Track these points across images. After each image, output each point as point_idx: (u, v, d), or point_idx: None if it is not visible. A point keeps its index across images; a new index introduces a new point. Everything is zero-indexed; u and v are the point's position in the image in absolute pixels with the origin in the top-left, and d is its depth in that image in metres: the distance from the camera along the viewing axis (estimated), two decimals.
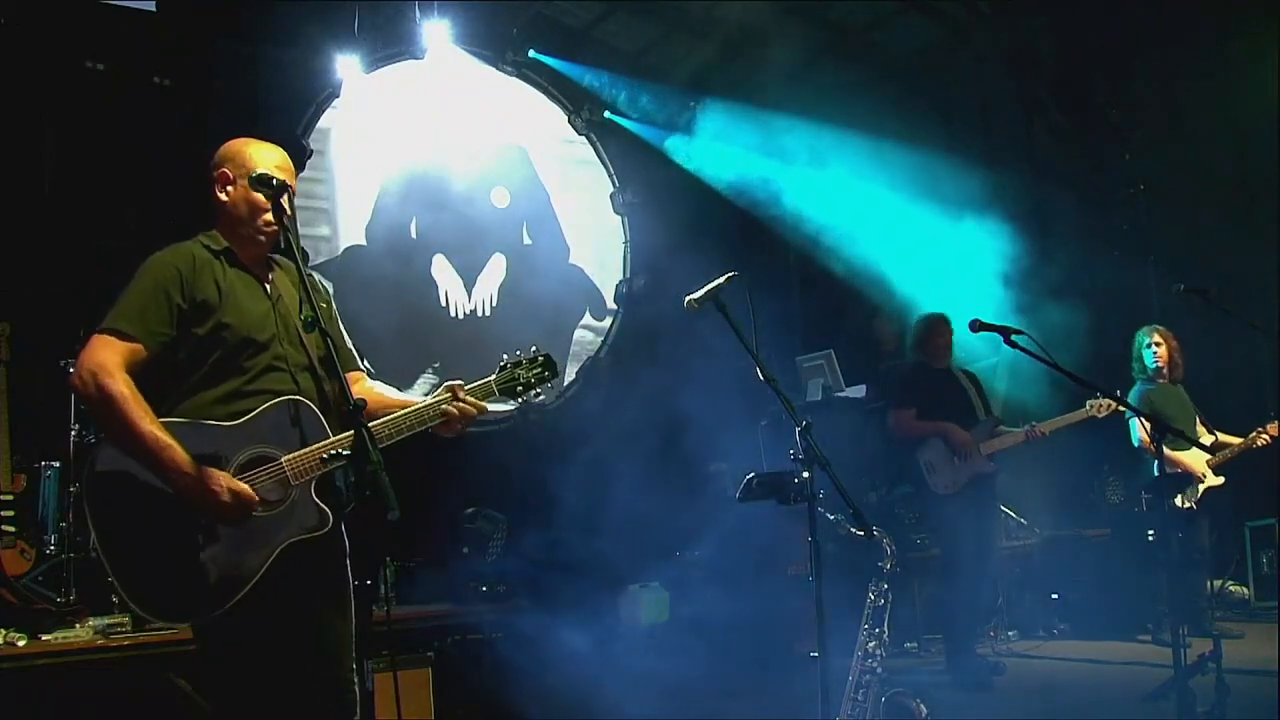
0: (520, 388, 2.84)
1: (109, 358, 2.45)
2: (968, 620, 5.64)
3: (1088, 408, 5.48)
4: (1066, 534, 7.41)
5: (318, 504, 2.55)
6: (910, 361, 5.94)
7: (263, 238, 2.69)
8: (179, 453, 2.40)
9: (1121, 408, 5.42)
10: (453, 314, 7.85)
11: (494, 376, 2.83)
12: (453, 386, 2.72)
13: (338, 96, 7.33)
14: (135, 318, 2.51)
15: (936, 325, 5.77)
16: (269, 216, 2.66)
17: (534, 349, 2.89)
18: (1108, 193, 8.06)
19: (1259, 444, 5.87)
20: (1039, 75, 8.33)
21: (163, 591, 2.47)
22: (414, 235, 7.77)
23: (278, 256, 2.81)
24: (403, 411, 2.67)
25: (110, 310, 2.53)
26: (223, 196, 2.70)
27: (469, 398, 2.72)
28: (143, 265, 2.61)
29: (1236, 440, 5.97)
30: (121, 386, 2.43)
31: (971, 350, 7.10)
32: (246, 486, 2.46)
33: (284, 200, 2.63)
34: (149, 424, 2.41)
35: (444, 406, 2.68)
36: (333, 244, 7.45)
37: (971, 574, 5.58)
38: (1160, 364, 6.18)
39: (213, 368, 2.57)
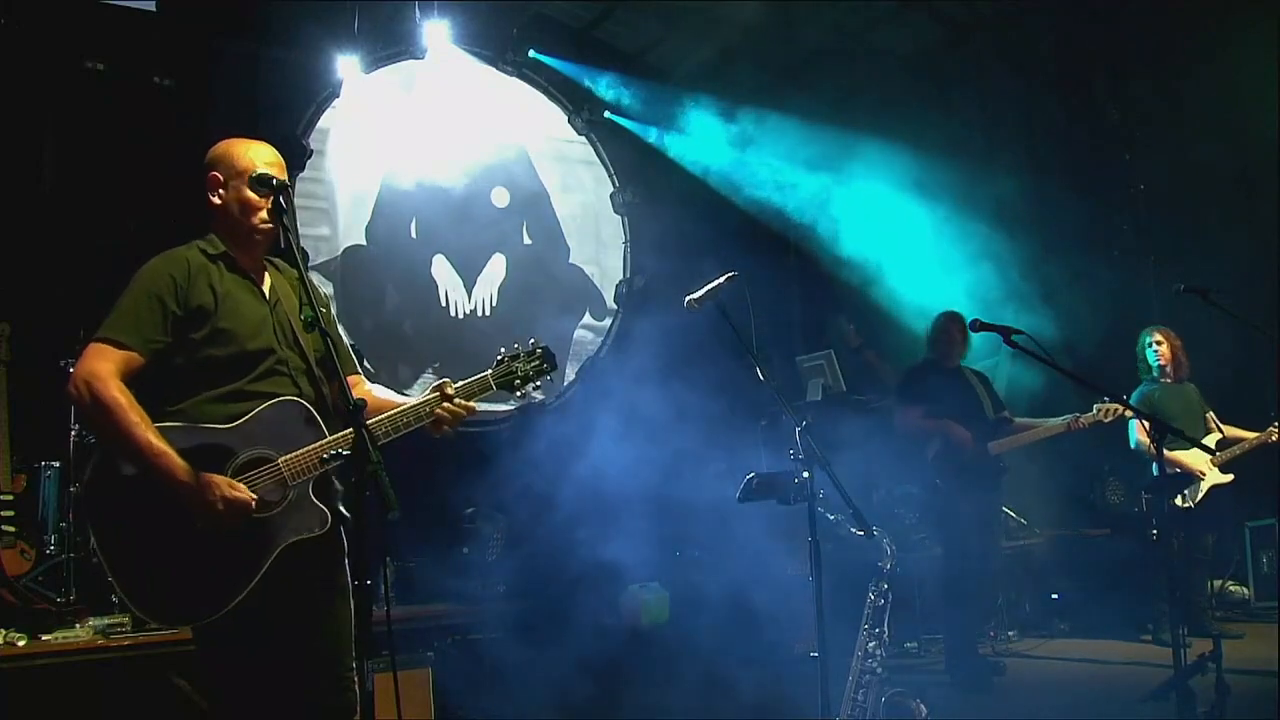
0: (518, 381, 2.79)
1: (103, 367, 2.45)
2: (969, 620, 5.64)
3: (1095, 411, 5.43)
4: (1066, 534, 7.41)
5: (316, 504, 2.55)
6: (921, 359, 5.96)
7: (259, 237, 2.68)
8: (174, 459, 2.41)
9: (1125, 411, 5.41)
10: (453, 314, 7.85)
11: (491, 371, 2.79)
12: (441, 386, 2.68)
13: (338, 96, 7.33)
14: (129, 326, 2.50)
15: (946, 324, 5.79)
16: (264, 215, 2.64)
17: (532, 341, 2.84)
18: (1108, 193, 8.06)
19: (1272, 440, 5.90)
20: (1039, 75, 8.32)
21: (162, 594, 2.48)
22: (414, 235, 7.77)
23: (276, 260, 2.80)
24: (400, 409, 2.66)
25: (105, 318, 2.53)
26: (215, 200, 2.68)
27: (458, 399, 2.68)
28: (137, 272, 2.60)
29: (1250, 435, 5.97)
30: (116, 395, 2.42)
31: (972, 350, 7.10)
32: (244, 490, 2.46)
33: (282, 199, 2.62)
34: (144, 431, 2.41)
35: (432, 409, 2.65)
36: (333, 244, 7.45)
37: (973, 574, 5.59)
38: (1163, 362, 6.20)
39: (211, 372, 2.56)
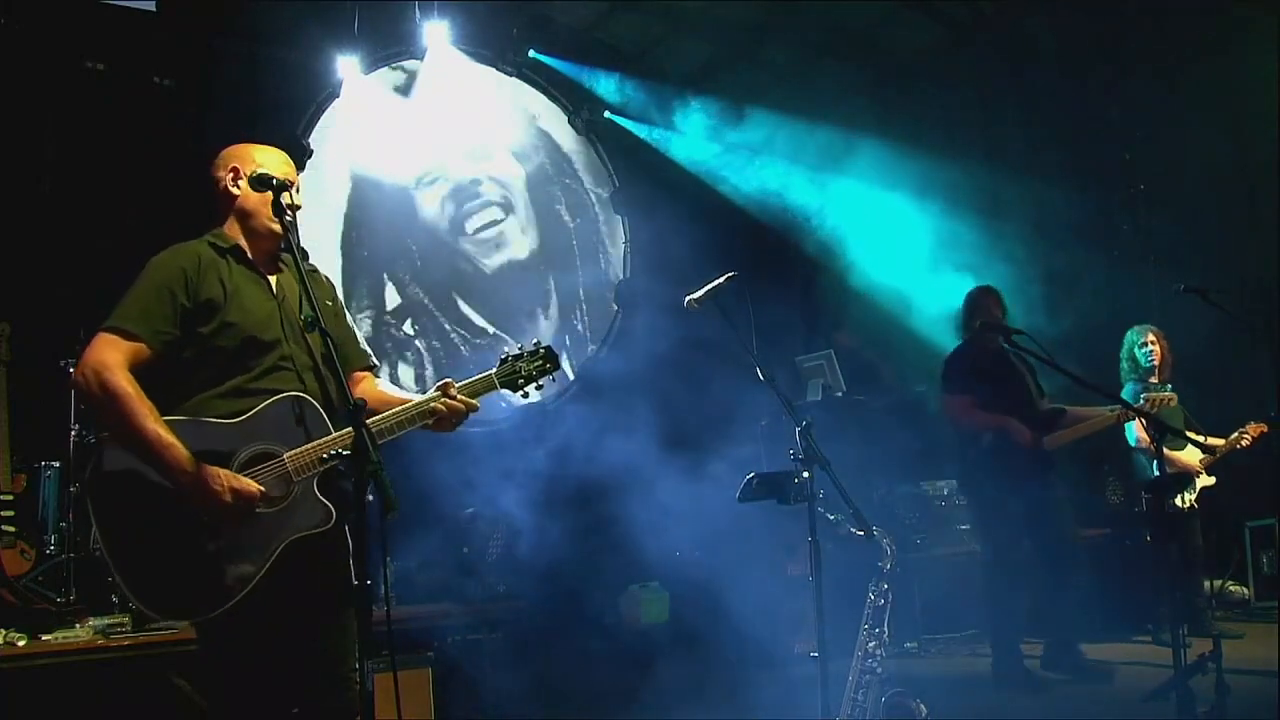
0: (522, 380, 2.83)
1: (112, 356, 2.46)
2: (1014, 619, 5.36)
3: (1143, 401, 5.25)
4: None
5: (320, 501, 2.56)
6: (963, 342, 5.52)
7: (276, 228, 2.69)
8: (180, 451, 2.41)
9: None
10: (452, 314, 7.85)
11: (495, 370, 2.83)
12: (444, 384, 2.72)
13: (338, 96, 7.33)
14: (139, 317, 2.51)
15: (983, 298, 5.40)
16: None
17: (536, 342, 2.89)
18: (1108, 192, 8.06)
19: (1242, 445, 5.86)
20: (1039, 75, 8.32)
21: (166, 588, 2.48)
22: (413, 235, 7.77)
23: (285, 257, 2.81)
24: (402, 406, 2.68)
25: (114, 309, 2.53)
26: (234, 191, 2.71)
27: (460, 395, 2.71)
28: (147, 264, 2.61)
29: (1220, 441, 5.95)
30: (124, 384, 2.43)
31: None
32: (249, 482, 2.46)
33: (287, 198, 2.63)
34: (151, 422, 2.41)
35: (433, 404, 2.67)
36: (332, 244, 7.46)
37: (1019, 572, 5.29)
38: (1155, 363, 6.16)
39: (218, 366, 2.57)
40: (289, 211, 2.63)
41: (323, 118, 7.36)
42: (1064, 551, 5.37)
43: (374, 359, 3.01)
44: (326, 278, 2.98)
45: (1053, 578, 5.35)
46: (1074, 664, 5.27)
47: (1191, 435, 5.86)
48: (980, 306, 5.39)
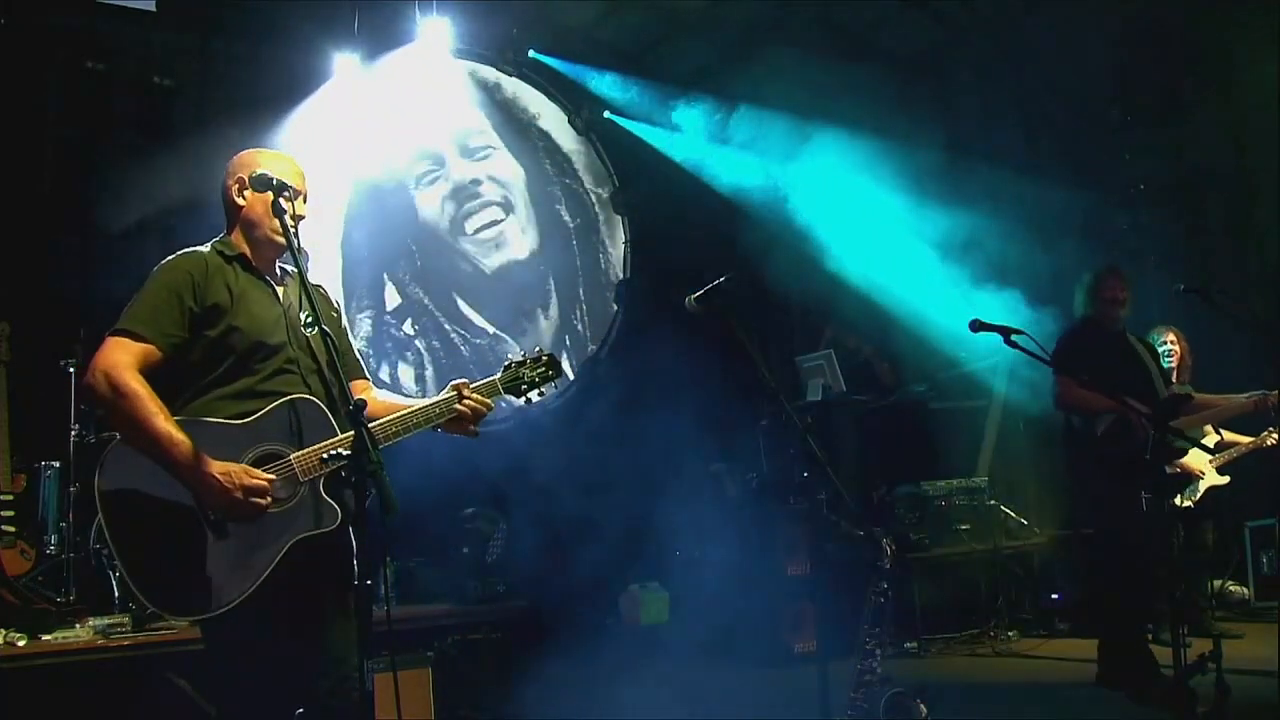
0: (525, 386, 2.88)
1: (121, 358, 2.49)
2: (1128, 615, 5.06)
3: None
4: (1066, 534, 7.40)
5: (328, 501, 2.58)
6: (1078, 321, 5.17)
7: (279, 238, 2.70)
8: (190, 448, 2.43)
9: None
10: (452, 314, 7.84)
11: (499, 375, 2.88)
12: (458, 385, 2.76)
13: (337, 96, 7.32)
14: (148, 320, 2.54)
15: (1105, 278, 5.05)
16: (287, 218, 2.67)
17: (538, 349, 2.94)
18: (1108, 193, 8.06)
19: (1269, 444, 5.85)
20: (1039, 75, 8.33)
21: (172, 585, 2.49)
22: (413, 235, 7.77)
23: (290, 267, 2.84)
24: (410, 410, 2.72)
25: (123, 313, 2.57)
26: (239, 201, 2.74)
27: (476, 395, 2.76)
28: (155, 269, 2.65)
29: (1245, 440, 5.94)
30: (134, 384, 2.46)
31: (973, 350, 7.08)
32: (260, 475, 2.49)
33: (289, 204, 2.63)
34: (161, 420, 2.44)
35: (454, 405, 2.72)
36: (332, 244, 7.46)
37: (1123, 566, 4.93)
38: (1174, 364, 6.12)
39: (225, 370, 2.60)
40: (289, 215, 2.63)
41: (322, 118, 7.35)
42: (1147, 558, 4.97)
43: (365, 370, 3.03)
44: (337, 303, 2.99)
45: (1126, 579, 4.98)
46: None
47: (1209, 436, 5.88)
48: (1101, 286, 5.08)
